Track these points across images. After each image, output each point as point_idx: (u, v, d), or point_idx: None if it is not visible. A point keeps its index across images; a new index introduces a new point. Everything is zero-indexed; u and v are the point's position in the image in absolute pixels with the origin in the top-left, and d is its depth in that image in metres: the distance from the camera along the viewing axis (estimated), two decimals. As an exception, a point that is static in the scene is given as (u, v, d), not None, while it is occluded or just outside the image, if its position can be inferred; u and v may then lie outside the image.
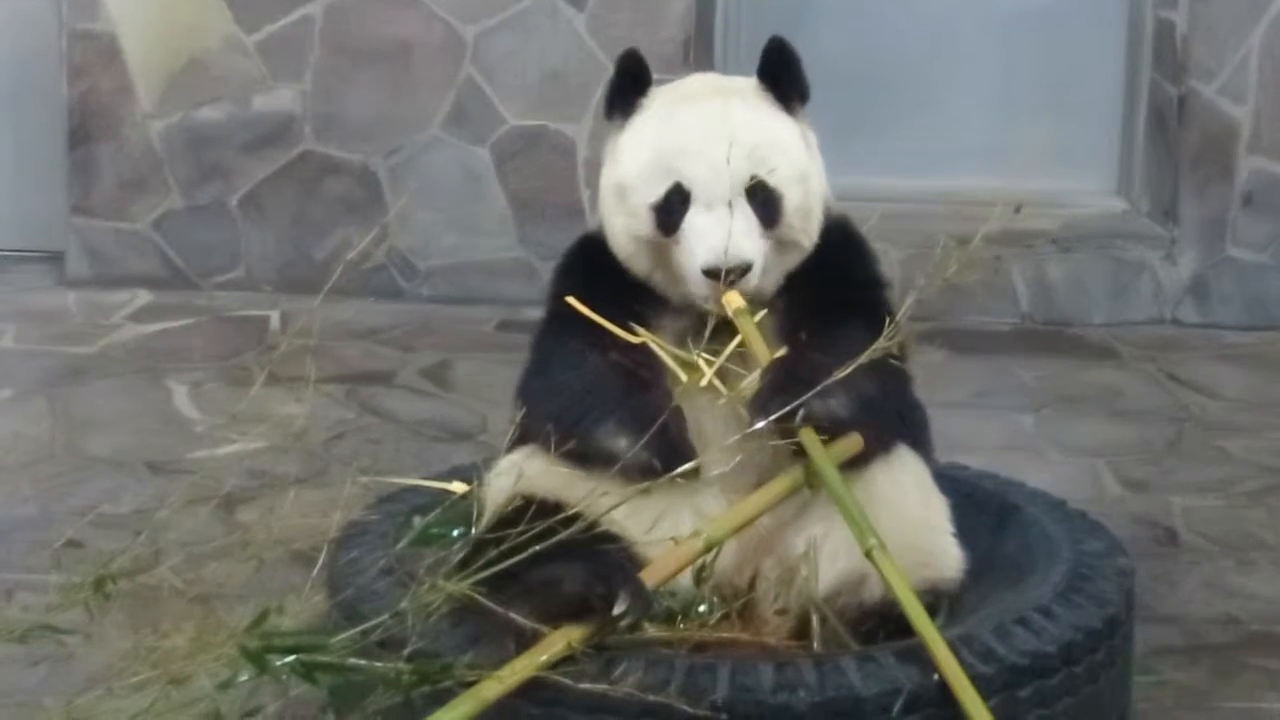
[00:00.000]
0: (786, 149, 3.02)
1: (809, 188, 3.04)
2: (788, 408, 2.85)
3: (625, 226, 3.05)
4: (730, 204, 2.96)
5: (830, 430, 2.88)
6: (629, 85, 3.10)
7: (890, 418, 2.99)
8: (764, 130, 3.02)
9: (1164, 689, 3.52)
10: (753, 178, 2.98)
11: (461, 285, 6.03)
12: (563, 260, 3.19)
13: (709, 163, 2.97)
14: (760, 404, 2.88)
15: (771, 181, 2.98)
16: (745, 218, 2.96)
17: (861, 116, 5.92)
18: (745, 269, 2.95)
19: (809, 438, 2.87)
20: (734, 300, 2.97)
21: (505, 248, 6.04)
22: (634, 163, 3.05)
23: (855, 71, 5.96)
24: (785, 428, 2.86)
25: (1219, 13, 5.87)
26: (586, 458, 2.93)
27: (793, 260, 3.04)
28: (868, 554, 2.83)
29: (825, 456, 2.87)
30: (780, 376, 2.90)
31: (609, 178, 3.09)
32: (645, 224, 3.02)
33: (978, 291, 5.71)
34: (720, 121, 3.01)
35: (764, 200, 2.98)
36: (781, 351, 2.95)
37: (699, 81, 3.19)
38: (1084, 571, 3.08)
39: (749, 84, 3.10)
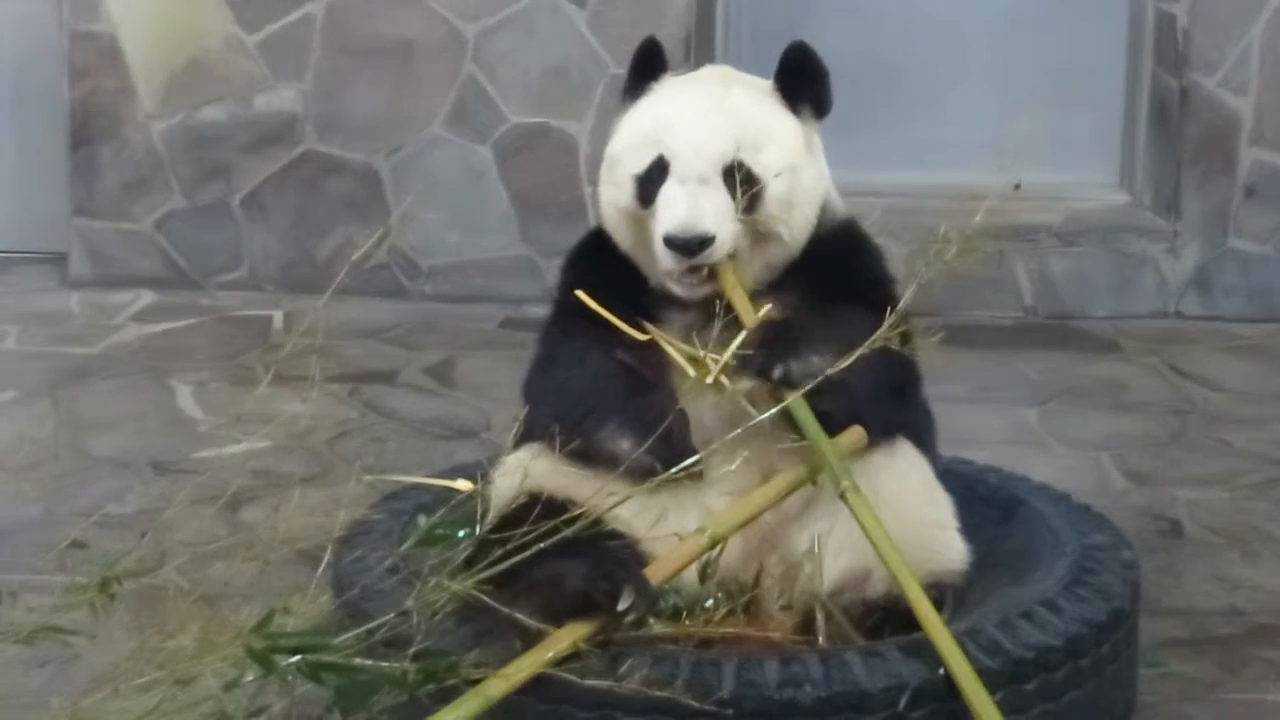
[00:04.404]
0: (777, 140, 3.02)
1: (796, 183, 3.02)
2: (787, 372, 2.87)
3: (611, 198, 3.08)
4: (706, 181, 2.96)
5: (813, 388, 2.89)
6: (644, 70, 3.12)
7: (883, 390, 2.98)
8: (756, 118, 3.03)
9: (1169, 681, 3.52)
10: (734, 160, 2.98)
11: (464, 283, 6.03)
12: (571, 253, 3.20)
13: (691, 138, 2.99)
14: (742, 364, 2.89)
15: (754, 167, 2.98)
16: (716, 195, 2.97)
17: (863, 111, 5.91)
18: (705, 242, 2.95)
19: (793, 398, 2.89)
20: (725, 271, 2.98)
21: (508, 246, 6.04)
22: (626, 135, 3.08)
23: (857, 66, 5.95)
24: (767, 389, 2.88)
25: (1220, 5, 5.87)
26: (589, 457, 2.94)
27: (774, 254, 3.04)
28: (842, 496, 2.85)
29: (804, 405, 2.88)
30: (761, 337, 2.91)
31: (608, 149, 3.12)
32: (627, 194, 3.04)
33: (981, 285, 5.71)
34: (714, 102, 3.03)
35: (743, 182, 2.98)
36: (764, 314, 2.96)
37: (710, 70, 3.22)
38: (1089, 565, 3.09)
39: (761, 82, 3.11)
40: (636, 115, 3.09)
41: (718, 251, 2.97)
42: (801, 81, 3.08)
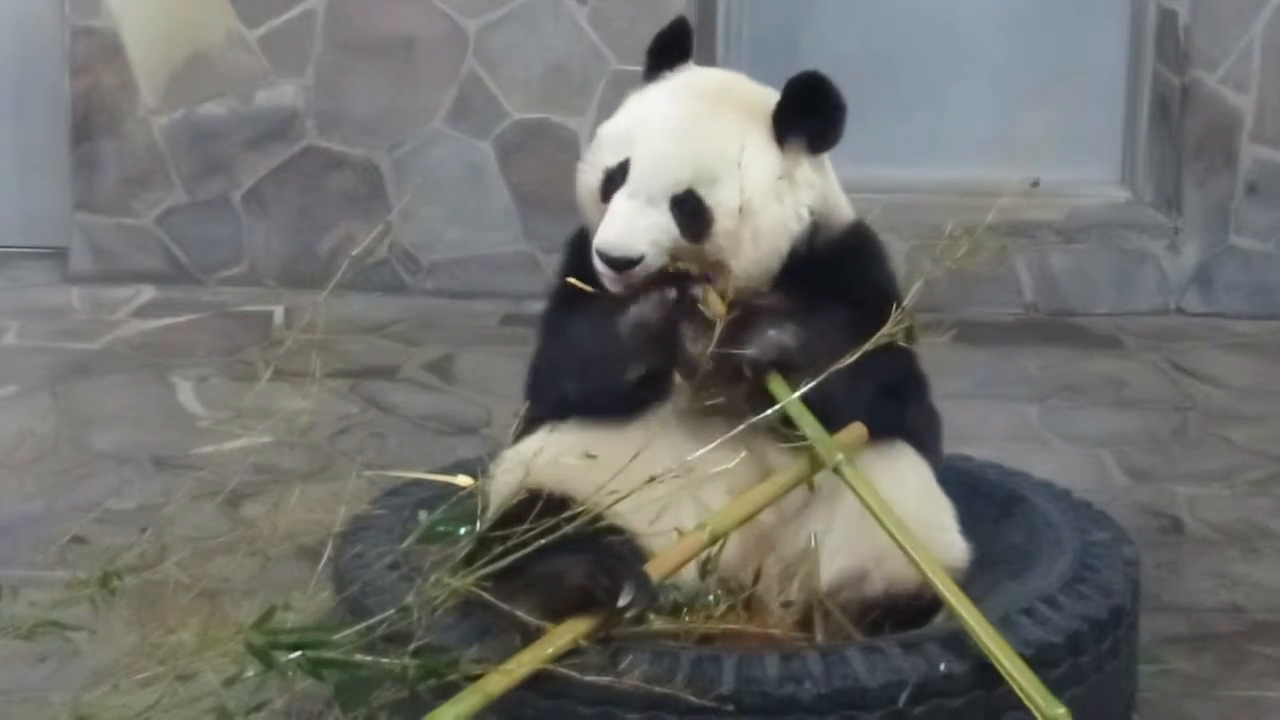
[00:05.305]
0: (739, 179, 2.97)
1: (749, 223, 2.97)
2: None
3: (584, 179, 3.08)
4: (653, 202, 2.96)
5: (784, 365, 2.91)
6: (665, 53, 3.11)
7: (869, 383, 2.96)
8: (726, 150, 2.97)
9: (1170, 678, 3.53)
10: (687, 189, 2.97)
11: (465, 279, 6.03)
12: (569, 242, 3.18)
13: (653, 156, 2.98)
14: (717, 368, 2.91)
15: (706, 199, 2.96)
16: (657, 218, 2.96)
17: (864, 107, 5.86)
18: (632, 262, 2.95)
19: (774, 382, 2.91)
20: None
21: (509, 241, 6.04)
22: (617, 123, 3.08)
23: (857, 62, 5.95)
24: (744, 372, 2.91)
25: (1222, 2, 5.87)
26: (608, 400, 2.96)
27: (730, 279, 3.00)
28: (835, 470, 2.87)
29: (783, 385, 2.90)
30: (727, 333, 2.92)
31: (599, 130, 3.12)
32: (594, 182, 3.05)
33: (982, 282, 5.71)
34: (693, 122, 2.99)
35: (691, 213, 2.96)
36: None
37: (716, 79, 3.15)
38: (1089, 561, 3.08)
39: (762, 103, 3.05)
40: (634, 105, 3.09)
41: (644, 269, 2.96)
42: (801, 115, 3.02)
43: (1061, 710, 2.69)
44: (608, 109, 3.17)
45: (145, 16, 5.99)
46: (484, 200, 6.02)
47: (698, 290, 2.95)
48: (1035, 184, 3.12)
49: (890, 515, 2.85)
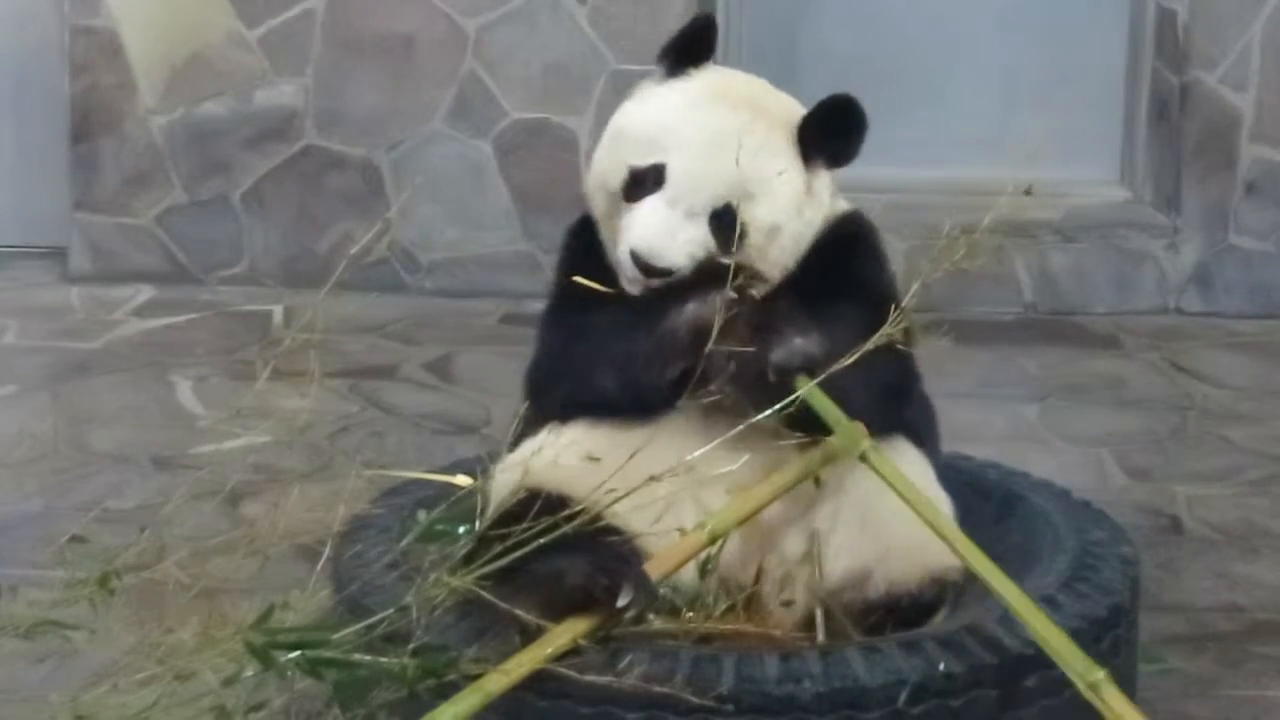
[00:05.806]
0: (772, 196, 2.97)
1: (776, 238, 2.99)
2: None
3: (602, 171, 3.05)
4: (693, 215, 2.95)
5: (809, 371, 2.88)
6: (689, 49, 3.09)
7: (871, 384, 2.94)
8: (762, 166, 2.97)
9: (1169, 677, 3.52)
10: (725, 204, 2.96)
11: (464, 279, 6.03)
12: (567, 237, 3.17)
13: (696, 170, 2.96)
14: (737, 377, 2.88)
15: (742, 215, 2.96)
16: (694, 231, 2.95)
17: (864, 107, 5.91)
18: (666, 272, 2.95)
19: (801, 382, 2.88)
20: None
21: (508, 241, 6.04)
22: (643, 121, 3.04)
23: (856, 62, 5.96)
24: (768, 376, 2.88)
25: (1221, 2, 5.87)
26: (626, 397, 2.95)
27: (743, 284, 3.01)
28: (862, 458, 2.86)
29: (809, 385, 2.88)
30: (752, 332, 2.90)
31: (621, 117, 3.08)
32: (617, 180, 3.01)
33: (981, 281, 5.71)
34: (732, 136, 2.96)
35: (725, 227, 2.95)
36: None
37: (748, 87, 3.11)
38: (1089, 561, 3.08)
39: (787, 115, 3.05)
40: (662, 104, 3.05)
41: (674, 278, 2.96)
42: (829, 134, 3.03)
43: (1101, 674, 2.68)
44: (607, 109, 3.16)
45: (145, 16, 5.99)
46: (483, 200, 6.03)
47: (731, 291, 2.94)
48: (1028, 191, 3.11)
49: (920, 499, 2.84)
